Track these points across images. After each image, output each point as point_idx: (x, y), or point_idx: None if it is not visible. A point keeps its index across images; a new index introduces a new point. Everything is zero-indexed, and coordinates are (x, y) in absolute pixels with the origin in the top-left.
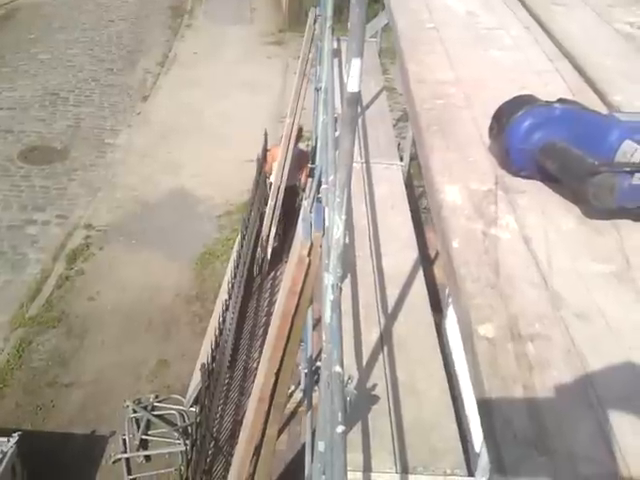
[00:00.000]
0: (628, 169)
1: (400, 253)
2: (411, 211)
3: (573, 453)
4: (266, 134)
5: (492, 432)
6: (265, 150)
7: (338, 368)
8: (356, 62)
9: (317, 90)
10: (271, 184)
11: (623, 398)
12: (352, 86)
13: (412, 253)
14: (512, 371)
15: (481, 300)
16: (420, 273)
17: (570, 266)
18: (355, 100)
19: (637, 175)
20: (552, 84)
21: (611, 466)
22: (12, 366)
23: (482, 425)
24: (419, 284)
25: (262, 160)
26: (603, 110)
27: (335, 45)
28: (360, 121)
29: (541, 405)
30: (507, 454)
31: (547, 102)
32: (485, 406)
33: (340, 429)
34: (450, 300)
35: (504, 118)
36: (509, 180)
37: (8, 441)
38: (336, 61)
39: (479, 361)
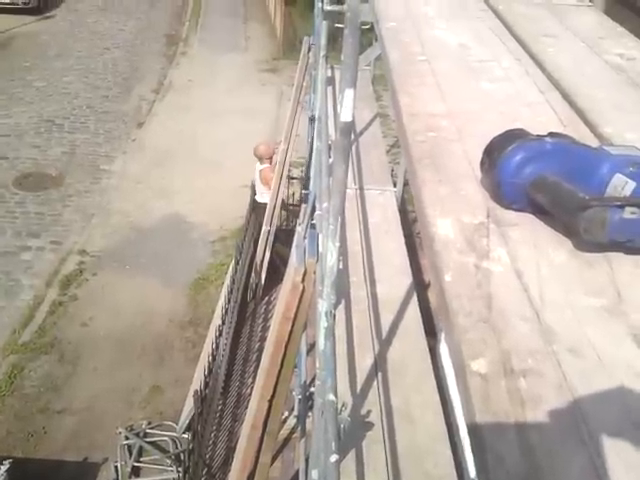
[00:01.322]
0: (619, 203)
1: (394, 279)
2: (405, 236)
3: None
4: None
5: (485, 469)
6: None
7: (332, 396)
8: (349, 92)
9: (311, 119)
10: (264, 208)
11: (615, 433)
12: (345, 116)
13: (406, 279)
14: (505, 407)
15: (473, 335)
16: (414, 298)
17: (562, 300)
18: (348, 130)
19: (628, 209)
20: (543, 116)
21: None
22: (4, 392)
23: (475, 461)
24: (413, 309)
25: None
26: (594, 142)
27: (329, 73)
28: (354, 147)
29: (533, 441)
30: None
31: (538, 136)
32: (478, 442)
33: (334, 458)
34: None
35: (495, 152)
36: (501, 213)
37: None
38: (330, 89)
39: (472, 397)
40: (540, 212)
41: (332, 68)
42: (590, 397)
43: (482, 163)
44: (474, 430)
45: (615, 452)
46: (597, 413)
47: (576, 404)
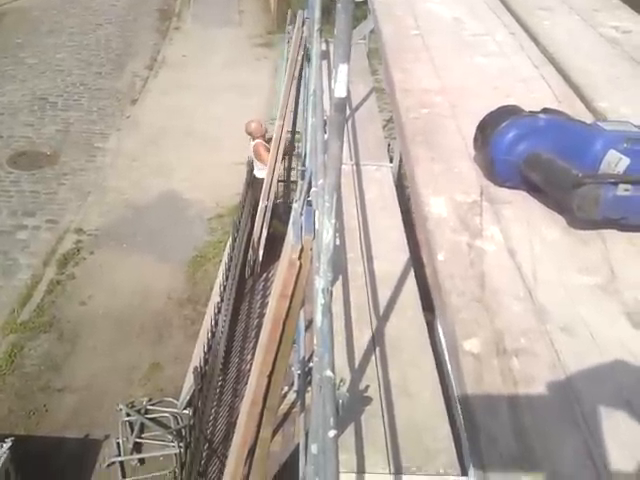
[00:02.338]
0: (612, 180)
1: (391, 255)
2: (402, 212)
3: (559, 472)
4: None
5: (478, 450)
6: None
7: (329, 372)
8: (343, 68)
9: (305, 94)
10: (261, 184)
11: (608, 413)
12: (339, 92)
13: (403, 255)
14: (497, 387)
15: (466, 314)
16: (411, 274)
17: (555, 278)
18: (343, 105)
19: (621, 186)
20: (537, 91)
21: None
22: (4, 371)
23: (468, 443)
24: (410, 285)
25: (251, 160)
26: (589, 118)
27: (324, 47)
28: (350, 123)
29: (527, 422)
30: (493, 474)
31: (531, 113)
32: (470, 423)
33: (332, 433)
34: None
35: (488, 129)
36: (494, 191)
37: (1, 446)
38: (325, 63)
39: (464, 377)
40: (533, 189)
41: (327, 42)
42: (583, 376)
43: (475, 140)
44: (467, 411)
45: (609, 432)
46: (591, 393)
47: (569, 384)
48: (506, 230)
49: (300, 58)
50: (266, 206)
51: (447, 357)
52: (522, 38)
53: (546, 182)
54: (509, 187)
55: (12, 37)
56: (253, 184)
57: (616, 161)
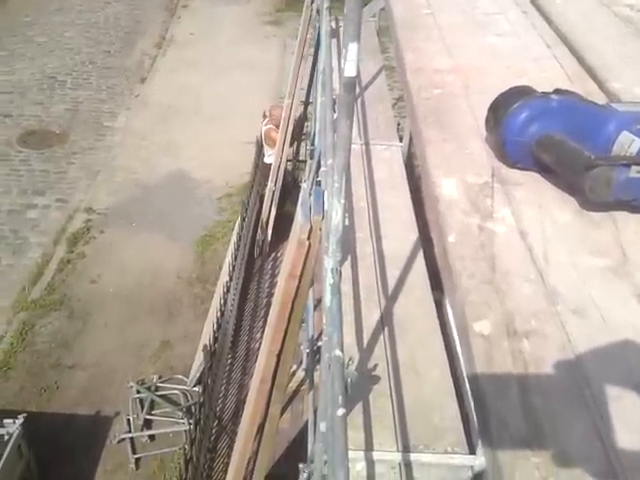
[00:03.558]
0: (625, 162)
1: (400, 234)
2: (411, 191)
3: (568, 454)
4: (264, 116)
5: (488, 432)
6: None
7: (338, 352)
8: (353, 46)
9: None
10: (270, 165)
11: (618, 395)
12: (349, 71)
13: (412, 234)
14: (508, 369)
15: (476, 296)
16: (420, 254)
17: (566, 260)
18: (352, 85)
19: (634, 168)
20: (550, 71)
21: (605, 464)
22: (16, 349)
23: (478, 425)
24: (419, 265)
25: (260, 141)
26: (602, 99)
27: (333, 25)
28: (359, 102)
29: (536, 404)
30: (503, 456)
31: (544, 93)
32: (481, 405)
33: (340, 412)
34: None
35: (500, 110)
36: (506, 172)
37: (14, 422)
38: (334, 41)
39: (474, 359)
40: (545, 171)
41: (337, 20)
42: (594, 359)
43: (487, 121)
44: (477, 393)
45: (618, 414)
46: (600, 375)
47: (580, 366)
48: (517, 212)
49: (309, 36)
50: (275, 186)
51: (457, 338)
52: (534, 17)
53: (558, 164)
54: (521, 168)
55: (21, 15)
56: (262, 164)
57: (629, 142)
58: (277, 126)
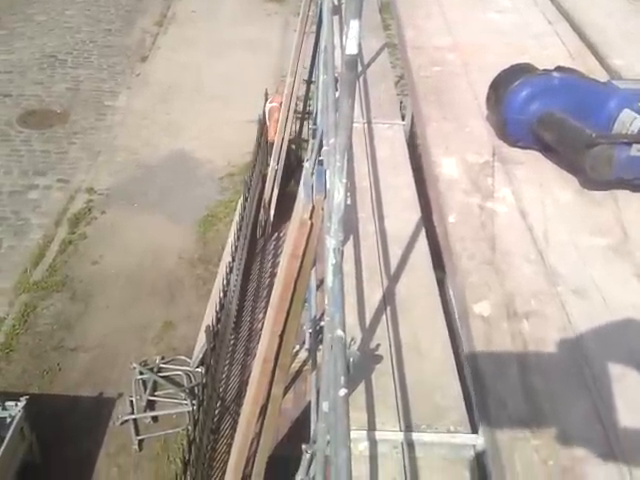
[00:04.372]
0: (626, 140)
1: (402, 213)
2: (414, 170)
3: (568, 434)
4: (267, 94)
5: (487, 414)
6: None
7: (340, 332)
8: (354, 24)
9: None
10: (272, 144)
11: (618, 376)
12: (351, 48)
13: (414, 214)
14: (507, 350)
15: (477, 278)
16: (422, 233)
17: (567, 240)
18: (354, 63)
19: (635, 146)
20: (551, 48)
21: (605, 446)
22: (18, 331)
23: (477, 406)
24: (422, 244)
25: (263, 120)
26: (603, 76)
27: (336, 1)
28: (361, 80)
29: (536, 385)
30: (501, 436)
31: (545, 71)
32: (480, 386)
33: (342, 392)
34: None
35: (501, 88)
36: (506, 151)
37: (16, 405)
38: (336, 18)
39: (474, 340)
40: (546, 150)
41: None
42: (594, 339)
43: (488, 99)
44: (476, 374)
45: (618, 395)
46: (601, 356)
47: (580, 346)
48: (518, 191)
49: (311, 13)
50: (277, 165)
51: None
52: None
53: (559, 142)
54: (522, 147)
55: None
56: (264, 143)
57: (630, 120)
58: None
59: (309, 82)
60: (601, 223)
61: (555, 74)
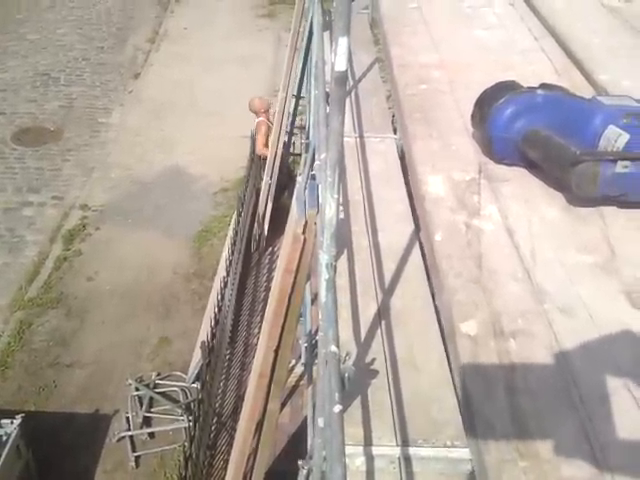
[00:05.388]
0: (611, 157)
1: (396, 227)
2: (406, 184)
3: (556, 456)
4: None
5: (474, 434)
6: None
7: (334, 347)
8: (343, 41)
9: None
10: (265, 159)
11: (606, 395)
12: (340, 65)
13: (408, 226)
14: (494, 370)
15: (463, 296)
16: (416, 246)
17: (554, 257)
18: (343, 79)
19: (620, 163)
20: (537, 64)
21: (593, 467)
22: (13, 348)
23: (464, 427)
24: (416, 257)
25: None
26: (589, 91)
27: (326, 18)
28: (353, 94)
29: (523, 405)
30: (489, 459)
31: (529, 88)
32: (467, 408)
33: (337, 409)
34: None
35: (486, 106)
36: (492, 168)
37: (12, 423)
38: (327, 34)
39: (461, 360)
40: (532, 167)
41: (329, 12)
42: (582, 358)
43: (473, 117)
44: (463, 394)
45: (606, 415)
46: (589, 375)
47: (567, 366)
48: (504, 209)
49: (302, 29)
50: (270, 179)
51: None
52: (522, 9)
53: (544, 160)
54: (508, 164)
55: (12, 12)
56: (257, 158)
57: (616, 137)
58: (264, 115)
59: (298, 97)
60: (588, 240)
61: (539, 91)
